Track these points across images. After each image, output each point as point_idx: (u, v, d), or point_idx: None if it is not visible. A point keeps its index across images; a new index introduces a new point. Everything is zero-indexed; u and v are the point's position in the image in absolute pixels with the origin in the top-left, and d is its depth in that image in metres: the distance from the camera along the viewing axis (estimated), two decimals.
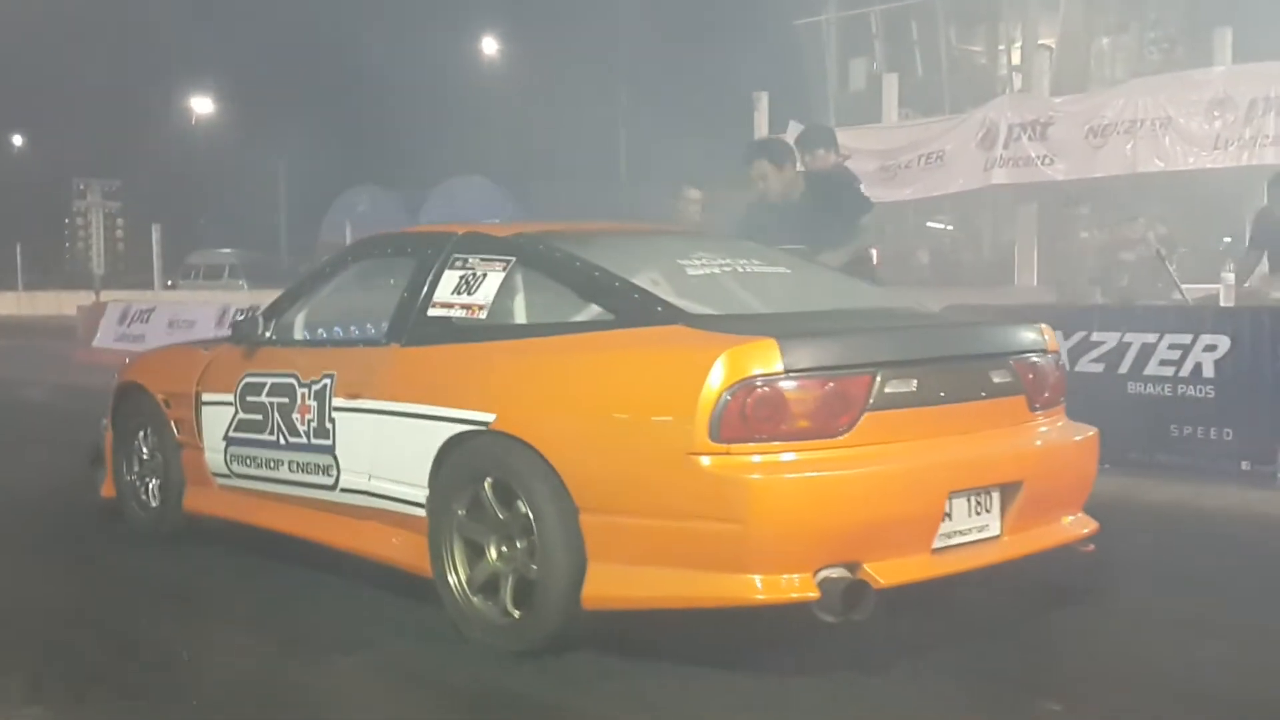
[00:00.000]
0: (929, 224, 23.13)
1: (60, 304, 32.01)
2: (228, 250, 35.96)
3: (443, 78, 38.89)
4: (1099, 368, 7.38)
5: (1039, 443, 4.35)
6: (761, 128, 22.85)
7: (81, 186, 36.18)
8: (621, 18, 28.24)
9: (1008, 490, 4.12)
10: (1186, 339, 7.01)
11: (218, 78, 43.67)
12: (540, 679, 3.96)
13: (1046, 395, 4.41)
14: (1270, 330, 6.72)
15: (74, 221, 37.95)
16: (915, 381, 3.94)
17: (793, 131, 21.87)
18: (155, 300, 19.79)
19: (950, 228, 23.09)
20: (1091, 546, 4.43)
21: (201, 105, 45.41)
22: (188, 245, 37.20)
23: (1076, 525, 4.44)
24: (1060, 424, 4.51)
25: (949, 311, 5.23)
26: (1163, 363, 7.11)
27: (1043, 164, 18.67)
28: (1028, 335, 4.48)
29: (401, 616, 4.64)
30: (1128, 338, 7.26)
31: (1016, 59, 23.68)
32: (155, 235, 29.51)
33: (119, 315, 17.28)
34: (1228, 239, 19.97)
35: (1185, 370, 7.01)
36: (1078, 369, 7.43)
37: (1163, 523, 6.09)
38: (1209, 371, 6.92)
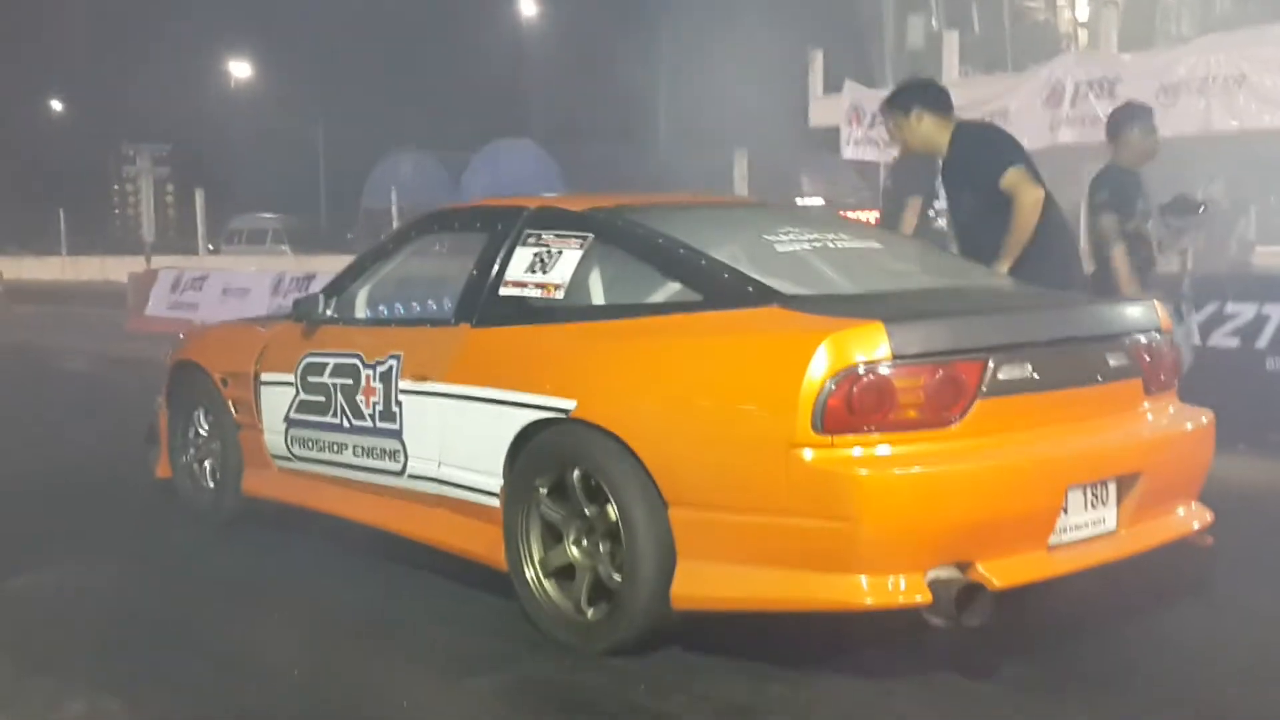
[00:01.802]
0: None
1: (105, 269, 32.25)
2: (270, 215, 36.05)
3: (485, 37, 38.61)
4: (1234, 342, 7.08)
5: (1157, 430, 4.13)
6: (816, 88, 22.48)
7: (131, 153, 36.21)
8: None
9: (1125, 482, 3.91)
10: None
11: (259, 40, 43.65)
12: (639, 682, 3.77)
13: (1163, 378, 4.20)
14: None
15: (123, 188, 38.07)
16: (1029, 366, 3.72)
17: (849, 92, 21.60)
18: (206, 267, 19.80)
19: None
20: (1210, 539, 4.20)
21: (241, 69, 45.44)
22: (230, 210, 37.30)
23: (1194, 516, 4.22)
24: (1175, 408, 4.30)
25: (1064, 292, 4.95)
26: None
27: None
28: (1142, 313, 4.26)
29: (490, 616, 4.46)
30: (1266, 309, 6.95)
31: (1080, 15, 23.10)
32: (199, 201, 29.69)
33: (171, 283, 17.26)
34: None
35: None
36: (1210, 344, 7.14)
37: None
38: None
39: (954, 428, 3.59)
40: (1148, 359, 4.12)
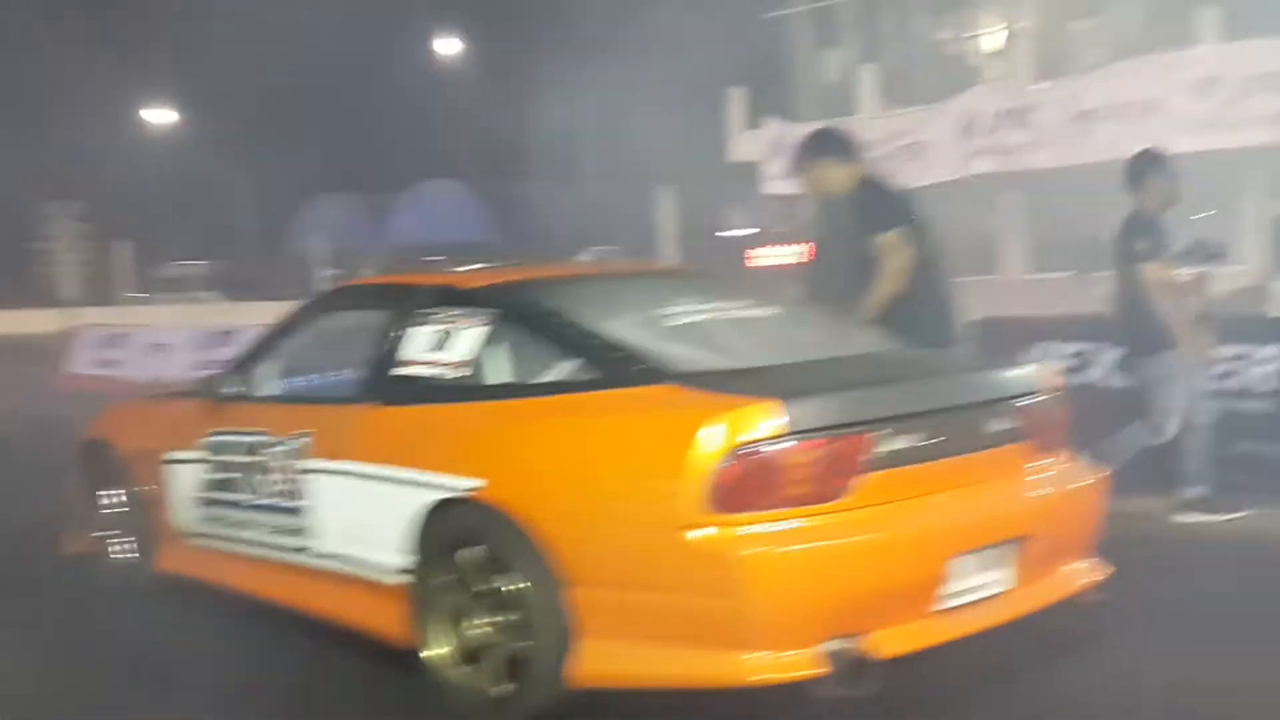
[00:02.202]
0: None
1: (20, 323, 31.67)
2: (198, 262, 35.72)
3: (408, 79, 38.62)
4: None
5: (1046, 491, 4.21)
6: (735, 124, 22.80)
7: (48, 213, 35.61)
8: (586, 14, 28.06)
9: (1014, 544, 4.00)
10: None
11: (180, 88, 43.28)
12: None
13: (1052, 438, 4.29)
14: None
15: (41, 246, 37.43)
16: (917, 436, 3.81)
17: (769, 127, 21.90)
18: (132, 321, 19.59)
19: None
20: (1103, 595, 4.31)
21: (163, 116, 44.98)
22: (157, 258, 36.90)
23: (1087, 573, 4.32)
24: (1067, 466, 4.38)
25: (950, 354, 5.05)
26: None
27: (1024, 151, 18.65)
28: (1031, 376, 4.37)
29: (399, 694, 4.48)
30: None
31: (992, 46, 23.60)
32: (120, 252, 29.35)
33: (97, 340, 17.06)
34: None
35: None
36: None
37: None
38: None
39: (841, 501, 3.66)
40: (1036, 421, 4.21)
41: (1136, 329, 6.37)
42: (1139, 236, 6.34)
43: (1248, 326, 7.23)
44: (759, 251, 21.01)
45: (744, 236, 22.60)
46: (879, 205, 5.83)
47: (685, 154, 21.68)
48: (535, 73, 28.83)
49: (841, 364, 4.38)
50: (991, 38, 23.72)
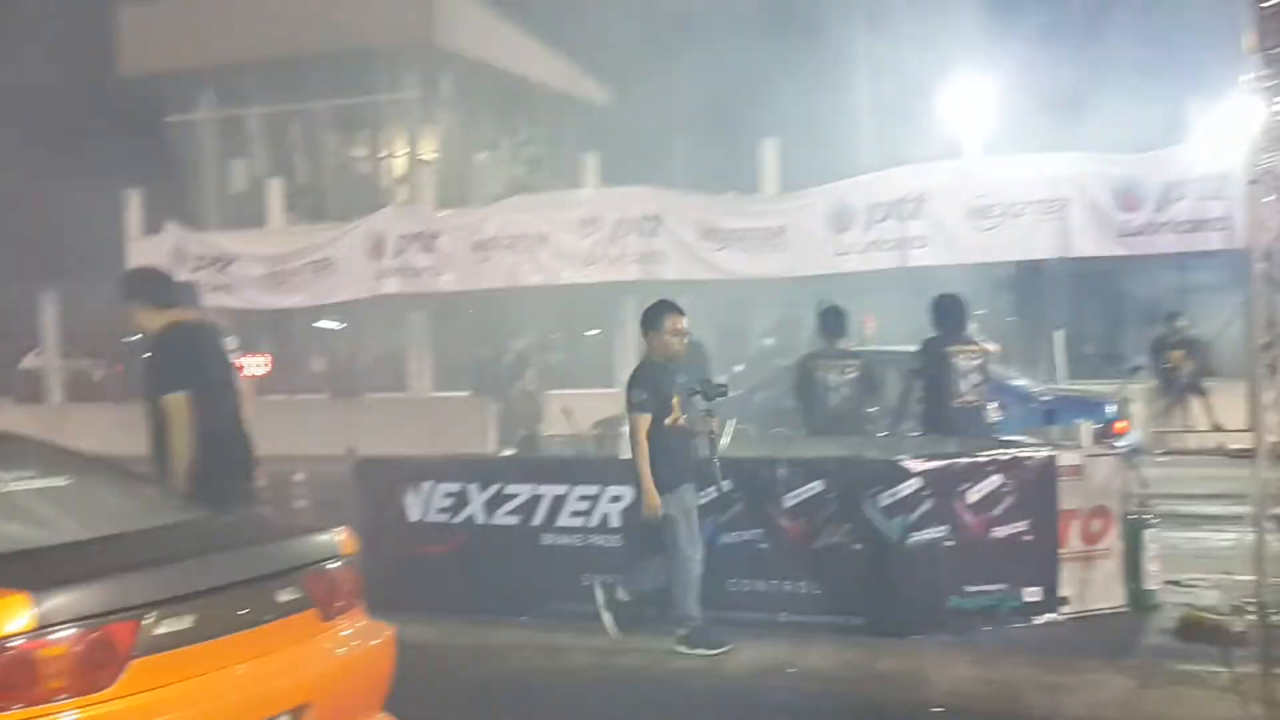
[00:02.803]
0: (316, 325, 23.02)
1: None
2: None
3: None
4: (514, 520, 7.60)
5: (331, 657, 4.24)
6: (133, 227, 21.55)
7: None
8: None
9: (297, 713, 3.99)
10: (594, 490, 7.44)
11: None
12: None
13: (341, 603, 4.33)
14: None
15: None
16: (190, 618, 3.70)
17: (171, 234, 20.92)
18: None
19: (343, 325, 23.13)
20: None
21: None
22: None
23: None
24: (356, 628, 4.42)
25: (241, 525, 5.02)
26: (574, 514, 7.48)
27: (431, 274, 19.28)
28: (320, 544, 4.38)
29: None
30: (540, 490, 7.55)
31: (401, 170, 24.29)
32: None
33: None
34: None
35: (594, 520, 7.43)
36: (494, 522, 7.65)
37: (579, 685, 6.32)
38: (616, 521, 7.38)
39: (107, 692, 3.48)
40: (323, 588, 4.24)
41: (657, 469, 6.68)
42: (636, 387, 6.76)
43: (601, 467, 7.82)
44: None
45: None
46: (172, 362, 5.81)
47: (81, 256, 20.11)
48: None
49: (119, 542, 4.11)
50: (400, 162, 24.40)
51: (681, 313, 6.99)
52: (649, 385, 6.76)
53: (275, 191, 22.04)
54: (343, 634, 4.28)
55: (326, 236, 20.36)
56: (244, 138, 25.03)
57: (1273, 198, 7.89)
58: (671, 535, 6.75)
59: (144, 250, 20.63)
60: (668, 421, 6.71)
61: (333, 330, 23.62)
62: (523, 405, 18.02)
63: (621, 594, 6.94)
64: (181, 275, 19.34)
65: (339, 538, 4.40)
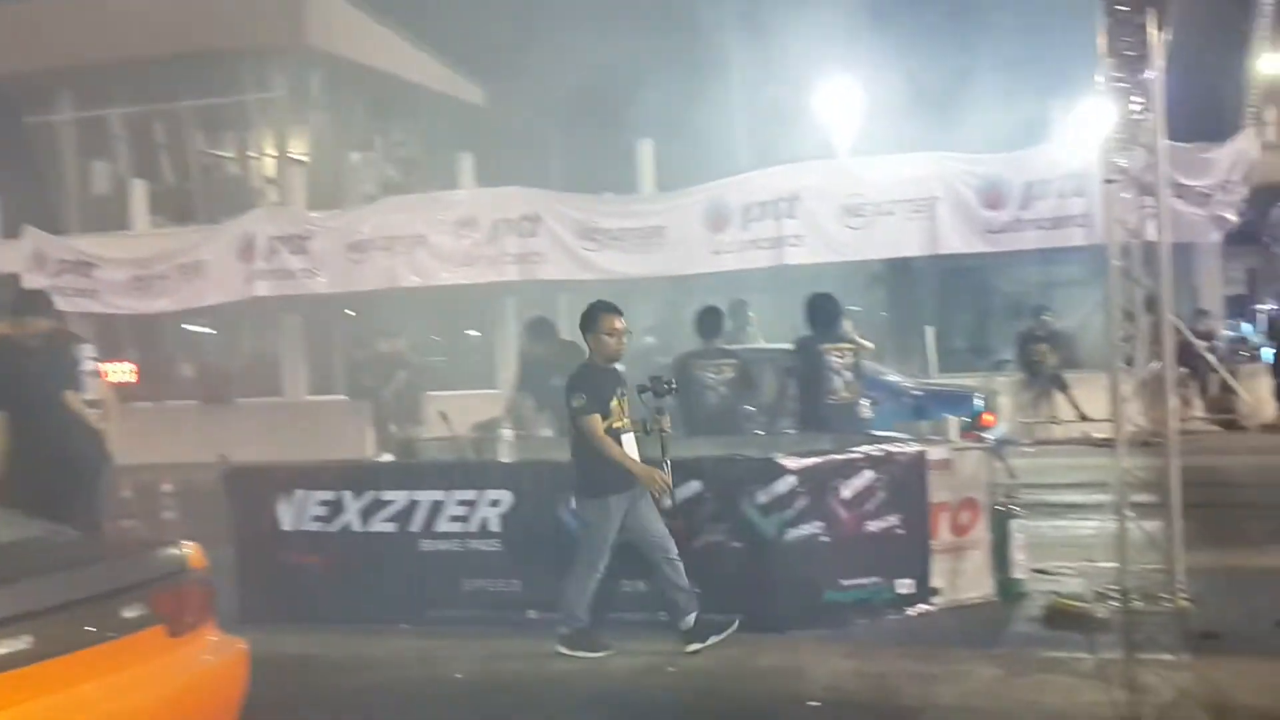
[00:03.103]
0: (186, 326, 22.45)
1: None
2: None
3: None
4: (392, 527, 7.48)
5: (179, 674, 4.17)
6: None
7: None
8: None
9: None
10: (473, 495, 7.36)
11: None
12: None
13: (190, 619, 4.26)
14: (549, 483, 7.26)
15: None
16: (28, 638, 3.61)
17: (30, 237, 20.16)
18: None
19: (213, 330, 22.61)
20: None
21: None
22: None
23: None
24: (206, 644, 4.36)
25: (82, 542, 4.89)
26: (452, 519, 7.39)
27: (304, 277, 18.88)
28: (166, 559, 4.31)
29: None
30: (417, 496, 7.46)
31: (270, 170, 23.77)
32: None
33: None
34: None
35: (473, 525, 7.35)
36: (370, 529, 7.52)
37: (459, 692, 6.25)
38: (495, 525, 7.32)
39: None
40: (170, 604, 4.16)
41: (580, 474, 6.66)
42: (575, 391, 6.64)
43: (480, 471, 7.72)
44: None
45: None
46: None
47: None
48: None
49: None
50: (270, 162, 23.88)
51: (618, 312, 6.91)
52: (588, 387, 6.67)
53: (139, 193, 21.40)
54: (192, 650, 4.20)
55: (194, 239, 19.82)
56: (106, 138, 24.23)
57: (1128, 196, 8.20)
58: (585, 541, 6.72)
59: (2, 255, 19.86)
60: (605, 425, 6.62)
61: (203, 335, 23.05)
62: (397, 409, 17.82)
63: (566, 629, 6.70)
64: (42, 281, 18.72)
65: (187, 552, 4.31)
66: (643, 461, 6.66)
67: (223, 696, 4.29)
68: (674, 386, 6.91)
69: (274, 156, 23.63)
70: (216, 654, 4.31)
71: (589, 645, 6.64)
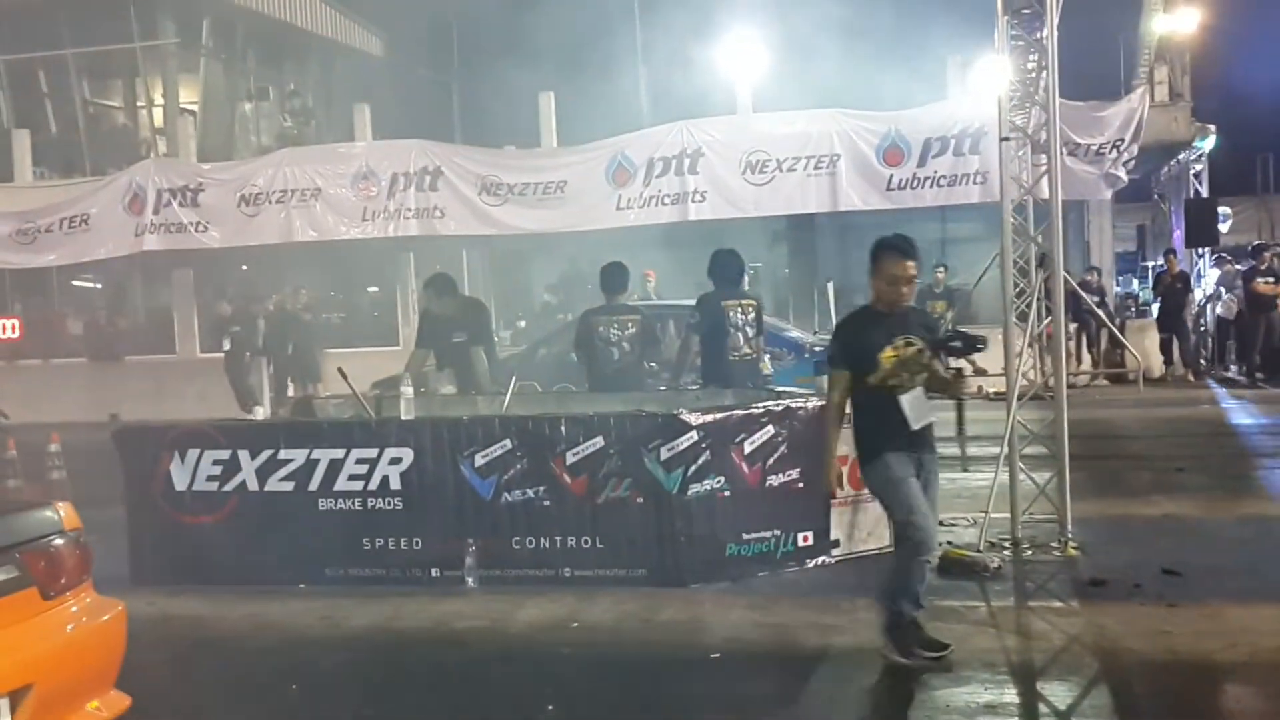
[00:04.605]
0: (75, 282, 21.84)
1: None
2: None
3: None
4: (289, 486, 7.38)
5: (53, 636, 4.09)
6: None
7: None
8: None
9: (17, 695, 3.84)
10: (373, 453, 7.29)
11: None
12: None
13: (64, 580, 4.16)
14: (449, 441, 7.22)
15: None
16: None
17: None
18: None
19: (99, 285, 21.99)
20: None
21: None
22: None
23: (104, 709, 4.23)
24: (82, 605, 4.26)
25: None
26: (351, 477, 7.32)
27: (196, 230, 18.47)
28: (37, 519, 4.20)
29: None
30: (315, 454, 7.36)
31: (160, 120, 23.11)
32: None
33: None
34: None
35: (374, 484, 7.29)
36: (267, 488, 7.41)
37: (361, 651, 6.23)
38: (396, 484, 7.26)
39: None
40: (43, 565, 4.08)
41: (855, 436, 5.80)
42: (832, 339, 5.92)
43: (379, 429, 7.55)
44: None
45: None
46: None
47: None
48: None
49: None
50: (160, 112, 23.20)
51: (908, 255, 5.63)
52: (847, 335, 5.73)
53: (23, 144, 20.67)
54: (66, 612, 4.12)
55: (81, 191, 19.27)
56: None
57: (1022, 153, 8.36)
58: (888, 513, 5.87)
59: None
60: (871, 380, 5.59)
61: (91, 290, 22.43)
62: (292, 367, 17.61)
63: (902, 616, 5.60)
64: None
65: (60, 513, 4.21)
66: (902, 428, 5.53)
67: (99, 659, 4.20)
68: (984, 343, 5.89)
69: (163, 106, 22.97)
70: (92, 616, 4.21)
71: (923, 642, 5.57)
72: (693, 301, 9.23)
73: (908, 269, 5.62)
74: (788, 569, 7.22)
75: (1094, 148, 15.92)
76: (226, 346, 17.88)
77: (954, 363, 6.35)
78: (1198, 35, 18.95)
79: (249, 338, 17.74)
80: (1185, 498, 9.16)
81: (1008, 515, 7.68)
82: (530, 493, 7.13)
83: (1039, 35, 7.70)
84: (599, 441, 7.07)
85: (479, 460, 7.15)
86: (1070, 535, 7.41)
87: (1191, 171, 20.07)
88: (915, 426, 5.56)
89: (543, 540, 7.10)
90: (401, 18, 24.07)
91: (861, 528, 7.51)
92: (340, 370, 8.08)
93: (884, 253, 5.67)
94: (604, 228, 16.84)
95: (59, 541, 4.11)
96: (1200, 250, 20.52)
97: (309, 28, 24.57)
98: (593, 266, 10.18)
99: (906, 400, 5.54)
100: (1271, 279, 17.46)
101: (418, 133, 18.47)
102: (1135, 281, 26.25)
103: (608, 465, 7.06)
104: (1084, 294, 10.56)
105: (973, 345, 5.80)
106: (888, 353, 5.56)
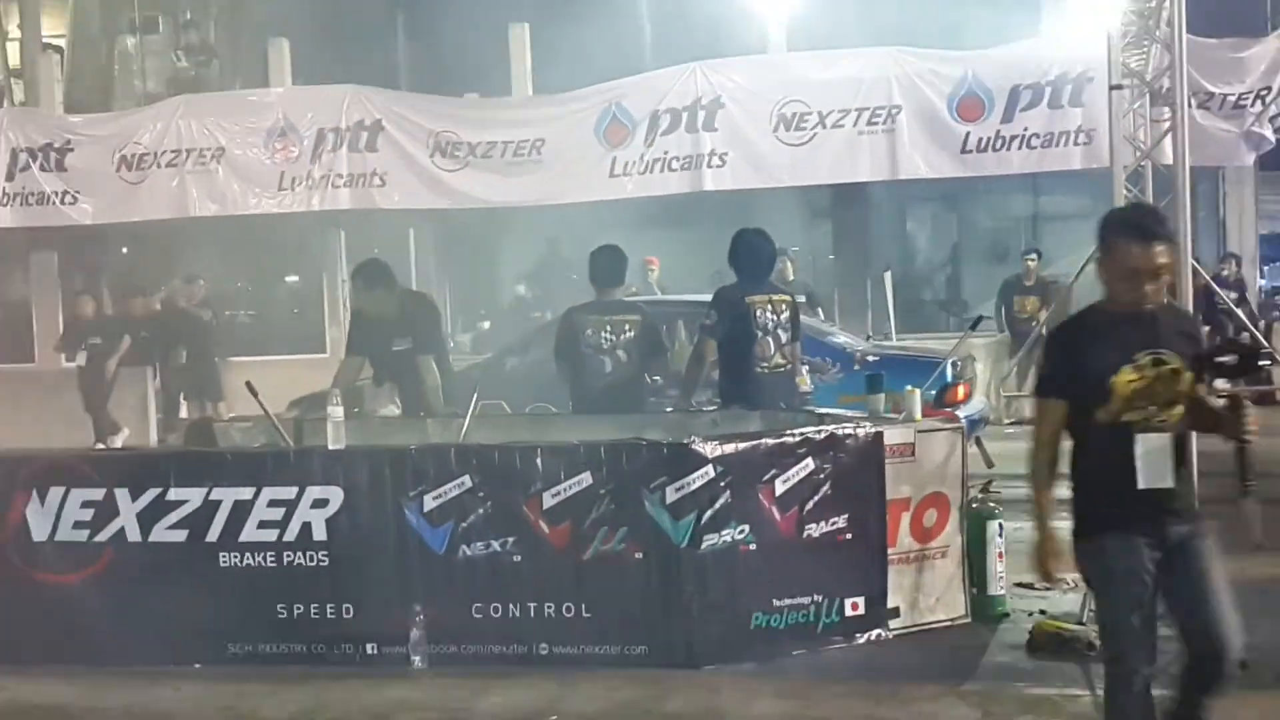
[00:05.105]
0: None
1: None
2: None
3: None
4: (181, 535, 7.39)
5: None
6: None
7: None
8: None
9: None
10: (291, 493, 7.30)
11: None
12: None
13: None
14: (390, 478, 7.24)
15: None
16: None
17: None
18: None
19: None
20: None
21: None
22: None
23: None
24: None
25: None
26: (263, 525, 7.32)
27: (63, 202, 18.44)
28: None
29: None
30: (215, 494, 7.37)
31: (15, 58, 23.12)
32: None
33: None
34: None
35: (291, 533, 7.30)
36: (153, 539, 7.41)
37: None
38: (321, 533, 7.27)
39: None
40: None
41: (1076, 496, 5.25)
42: (1043, 354, 5.47)
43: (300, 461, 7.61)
44: None
45: None
46: None
47: None
48: None
49: None
50: (14, 48, 23.23)
51: (1152, 237, 4.98)
52: (1063, 350, 5.20)
53: None
54: None
55: None
56: None
57: (1139, 105, 8.37)
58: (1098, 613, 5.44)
59: None
60: (1101, 415, 5.01)
61: None
62: (185, 380, 17.59)
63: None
64: None
65: None
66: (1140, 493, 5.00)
67: None
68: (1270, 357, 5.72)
69: (19, 40, 22.99)
70: None
71: None
72: (708, 297, 9.24)
73: (1153, 257, 4.94)
74: (832, 645, 7.24)
75: (1232, 99, 15.91)
76: (81, 361, 17.76)
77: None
78: None
79: (113, 349, 17.56)
80: None
81: None
82: (496, 545, 7.16)
83: None
84: (586, 479, 7.10)
85: (429, 503, 7.17)
86: None
87: None
88: (1142, 485, 4.97)
89: (512, 607, 7.13)
90: None
91: (929, 592, 7.52)
92: (249, 385, 8.09)
93: (1114, 235, 5.06)
94: (593, 200, 16.84)
95: None
96: None
97: None
98: (579, 251, 10.18)
99: (1142, 447, 4.96)
100: None
101: (352, 77, 18.46)
102: None
103: (597, 510, 7.09)
104: (1218, 289, 10.57)
105: (1254, 360, 5.37)
106: (1126, 375, 4.96)
